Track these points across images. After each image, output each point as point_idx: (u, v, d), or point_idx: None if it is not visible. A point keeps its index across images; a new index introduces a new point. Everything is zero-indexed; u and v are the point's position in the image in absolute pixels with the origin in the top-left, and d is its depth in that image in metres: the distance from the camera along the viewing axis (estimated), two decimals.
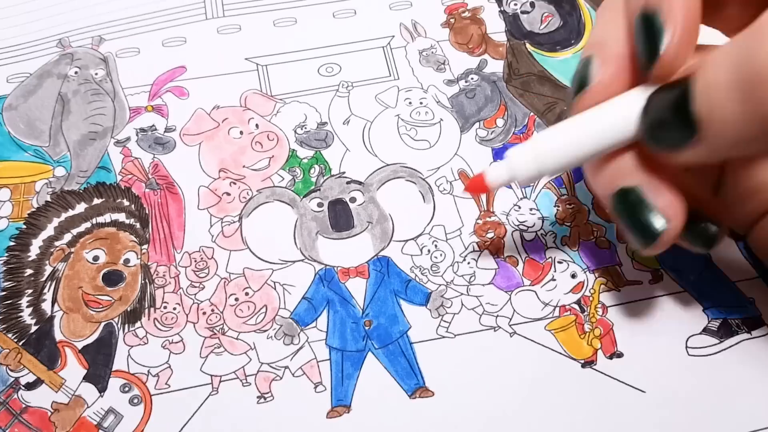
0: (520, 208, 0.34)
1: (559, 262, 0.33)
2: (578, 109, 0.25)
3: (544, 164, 0.25)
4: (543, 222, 0.34)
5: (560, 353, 0.30)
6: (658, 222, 0.24)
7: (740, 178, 0.24)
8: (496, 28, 0.39)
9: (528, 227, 0.34)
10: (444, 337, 0.31)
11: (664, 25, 0.22)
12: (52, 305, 0.31)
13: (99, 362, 0.30)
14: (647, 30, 0.22)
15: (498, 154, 0.35)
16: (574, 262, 0.33)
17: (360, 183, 0.34)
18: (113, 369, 0.30)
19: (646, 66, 0.23)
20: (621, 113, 0.24)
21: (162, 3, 0.39)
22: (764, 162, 0.23)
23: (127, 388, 0.30)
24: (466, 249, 0.33)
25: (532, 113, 0.37)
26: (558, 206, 0.34)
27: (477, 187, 0.27)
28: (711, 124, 0.20)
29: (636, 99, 0.23)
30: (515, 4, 0.40)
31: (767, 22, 0.19)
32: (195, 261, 0.32)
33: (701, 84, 0.21)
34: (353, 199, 0.34)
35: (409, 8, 0.39)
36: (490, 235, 0.33)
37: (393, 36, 0.39)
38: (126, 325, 0.31)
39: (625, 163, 0.25)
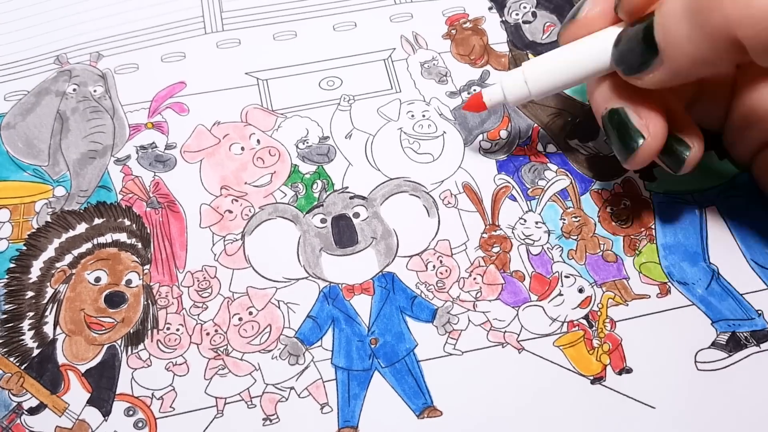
0: (525, 221, 0.34)
1: (566, 277, 0.32)
2: (564, 38, 0.29)
3: (533, 87, 0.29)
4: (549, 236, 0.33)
5: (569, 369, 0.30)
6: (638, 138, 0.28)
7: (745, 106, 0.29)
8: (497, 38, 0.39)
9: (534, 241, 0.33)
10: (451, 354, 0.30)
11: None
12: (54, 328, 0.31)
13: (103, 386, 0.30)
14: None
15: (503, 167, 0.35)
16: (581, 277, 0.32)
17: (363, 198, 0.34)
18: (117, 392, 0.30)
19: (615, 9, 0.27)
20: (599, 45, 0.27)
21: (160, 18, 0.39)
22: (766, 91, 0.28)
23: (131, 412, 0.29)
24: (471, 264, 0.33)
25: (536, 124, 0.36)
26: (564, 219, 0.34)
27: (474, 105, 0.32)
28: (668, 47, 0.24)
29: (612, 34, 0.27)
30: (517, 14, 0.39)
31: None
32: (198, 281, 0.32)
33: (660, 15, 0.25)
34: (357, 215, 0.34)
35: (410, 20, 0.39)
36: (495, 250, 0.33)
37: (394, 48, 0.38)
38: (129, 348, 0.30)
39: (615, 87, 0.28)
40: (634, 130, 0.28)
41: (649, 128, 0.28)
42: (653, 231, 0.34)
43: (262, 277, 0.32)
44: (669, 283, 0.32)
